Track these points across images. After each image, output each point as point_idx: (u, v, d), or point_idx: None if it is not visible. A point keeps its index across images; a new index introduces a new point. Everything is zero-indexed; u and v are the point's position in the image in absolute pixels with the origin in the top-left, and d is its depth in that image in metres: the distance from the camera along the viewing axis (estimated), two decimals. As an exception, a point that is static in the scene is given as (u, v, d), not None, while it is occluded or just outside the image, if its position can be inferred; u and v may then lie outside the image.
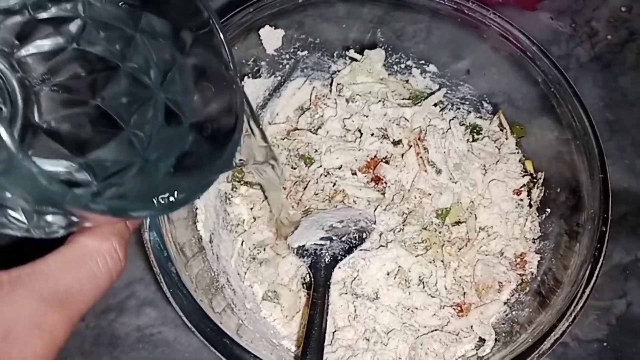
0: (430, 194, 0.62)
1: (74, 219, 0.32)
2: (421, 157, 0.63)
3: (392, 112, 0.66)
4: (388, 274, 0.58)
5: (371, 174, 0.65)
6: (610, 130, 0.80)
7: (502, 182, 0.63)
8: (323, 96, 0.69)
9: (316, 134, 0.67)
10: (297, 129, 0.69)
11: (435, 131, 0.64)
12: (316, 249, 0.57)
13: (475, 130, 0.69)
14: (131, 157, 0.37)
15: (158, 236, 0.49)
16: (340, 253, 0.57)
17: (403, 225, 0.61)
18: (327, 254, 0.57)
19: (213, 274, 0.58)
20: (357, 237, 0.59)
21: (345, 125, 0.67)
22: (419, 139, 0.64)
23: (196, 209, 0.60)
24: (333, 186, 0.64)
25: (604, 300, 0.70)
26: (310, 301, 0.53)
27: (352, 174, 0.65)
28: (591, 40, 0.87)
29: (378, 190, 0.64)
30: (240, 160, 0.42)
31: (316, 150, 0.67)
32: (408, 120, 0.66)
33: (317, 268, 0.56)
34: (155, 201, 0.34)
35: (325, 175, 0.65)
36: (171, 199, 0.34)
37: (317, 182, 0.65)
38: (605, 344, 0.69)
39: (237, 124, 0.39)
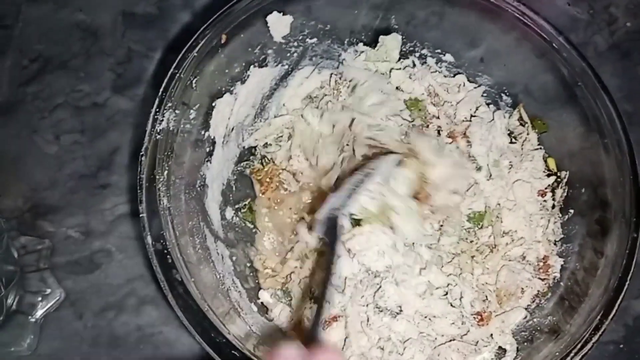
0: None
1: None
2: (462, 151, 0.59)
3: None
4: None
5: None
6: (629, 122, 0.76)
7: (527, 183, 0.60)
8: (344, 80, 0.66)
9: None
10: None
11: (483, 123, 0.60)
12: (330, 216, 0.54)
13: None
14: None
15: (161, 239, 0.46)
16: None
17: (440, 235, 0.58)
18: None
19: (218, 276, 0.55)
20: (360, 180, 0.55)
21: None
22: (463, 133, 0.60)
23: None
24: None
25: (621, 301, 0.68)
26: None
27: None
28: (610, 28, 0.83)
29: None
30: None
31: None
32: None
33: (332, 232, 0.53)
34: None
35: None
36: None
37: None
38: (621, 345, 0.67)
39: None
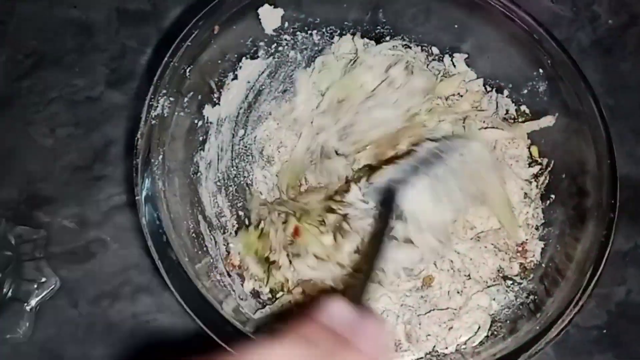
0: None
1: None
2: None
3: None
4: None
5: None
6: (611, 116, 0.78)
7: (513, 174, 0.62)
8: None
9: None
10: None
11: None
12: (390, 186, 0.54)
13: None
14: None
15: (157, 220, 0.47)
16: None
17: None
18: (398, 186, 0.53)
19: (212, 260, 0.56)
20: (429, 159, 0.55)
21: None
22: None
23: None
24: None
25: (603, 287, 0.70)
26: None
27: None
28: (592, 25, 0.85)
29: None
30: None
31: None
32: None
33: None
34: None
35: None
36: None
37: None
38: (604, 330, 0.69)
39: None
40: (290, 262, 0.57)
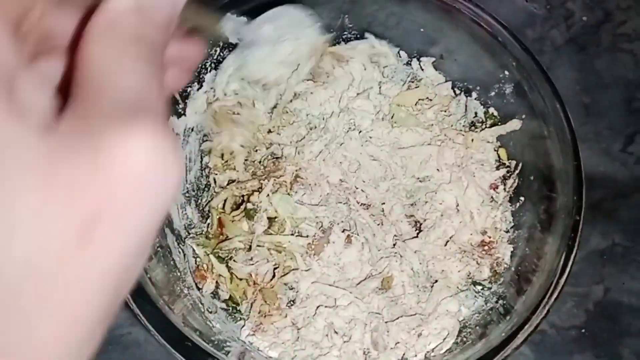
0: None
1: None
2: None
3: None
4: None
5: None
6: (587, 113, 0.79)
7: (478, 179, 0.62)
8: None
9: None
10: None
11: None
12: None
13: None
14: None
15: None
16: None
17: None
18: None
19: (179, 274, 0.56)
20: None
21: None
22: None
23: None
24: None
25: (581, 287, 0.69)
26: None
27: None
28: (566, 22, 0.85)
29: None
30: None
31: None
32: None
33: None
34: None
35: None
36: None
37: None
38: (583, 330, 0.68)
39: None
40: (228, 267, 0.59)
